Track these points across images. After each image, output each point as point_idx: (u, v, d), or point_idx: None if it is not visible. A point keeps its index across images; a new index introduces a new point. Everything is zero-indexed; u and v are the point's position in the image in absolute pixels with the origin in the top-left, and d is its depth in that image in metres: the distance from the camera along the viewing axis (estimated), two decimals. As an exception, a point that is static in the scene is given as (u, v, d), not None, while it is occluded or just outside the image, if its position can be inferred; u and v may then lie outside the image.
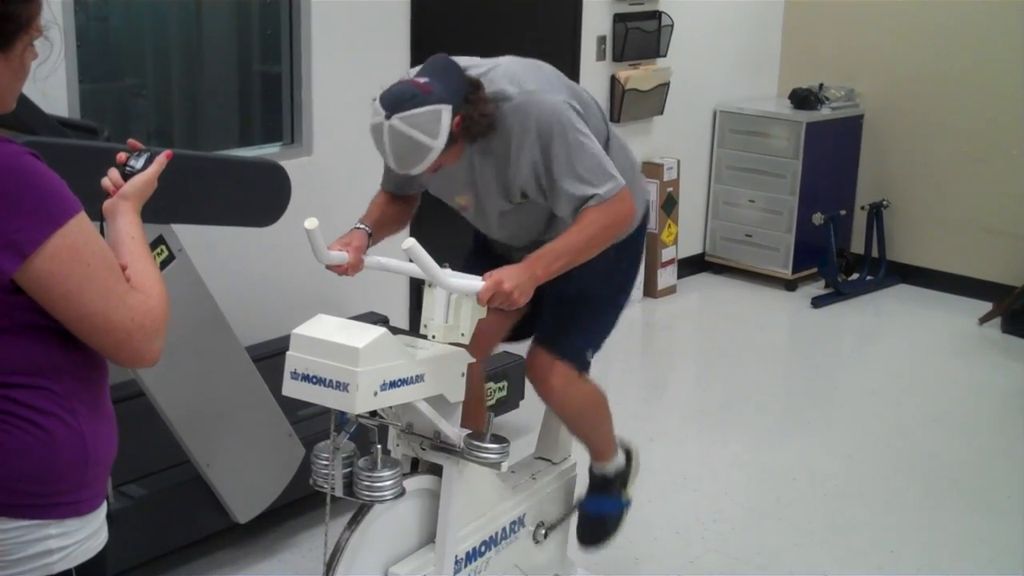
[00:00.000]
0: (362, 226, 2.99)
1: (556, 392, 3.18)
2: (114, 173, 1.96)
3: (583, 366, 3.21)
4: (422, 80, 2.69)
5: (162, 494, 3.37)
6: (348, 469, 2.72)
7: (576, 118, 2.85)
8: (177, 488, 3.41)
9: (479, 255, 3.26)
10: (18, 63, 1.75)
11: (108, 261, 1.75)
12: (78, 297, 1.70)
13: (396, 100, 2.63)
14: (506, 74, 2.85)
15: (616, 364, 5.60)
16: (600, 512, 3.40)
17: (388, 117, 2.62)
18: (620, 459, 3.42)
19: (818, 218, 6.48)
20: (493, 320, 2.98)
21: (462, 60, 2.88)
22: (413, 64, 4.89)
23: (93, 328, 1.73)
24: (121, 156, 1.98)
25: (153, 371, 3.06)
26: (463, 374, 2.86)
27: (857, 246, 6.90)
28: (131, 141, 2.04)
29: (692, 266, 6.87)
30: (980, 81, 6.41)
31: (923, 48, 6.60)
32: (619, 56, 6.02)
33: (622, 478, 3.44)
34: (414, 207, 3.21)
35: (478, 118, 2.75)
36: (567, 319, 3.17)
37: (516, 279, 2.73)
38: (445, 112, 2.65)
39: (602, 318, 3.25)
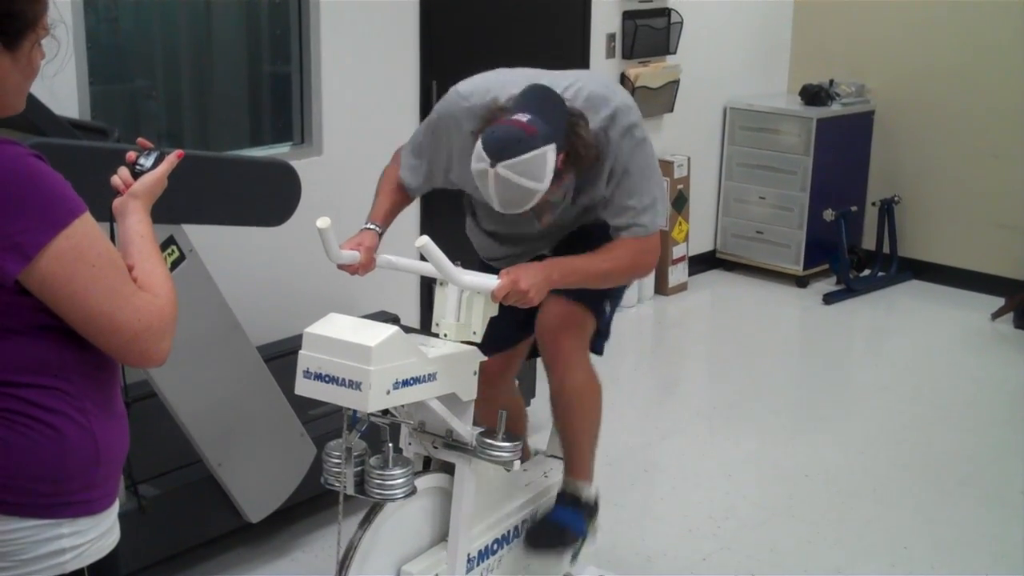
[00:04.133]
0: (372, 226, 2.98)
1: (564, 354, 3.09)
2: (124, 171, 1.95)
3: (600, 316, 3.13)
4: (524, 119, 2.62)
5: (174, 494, 3.37)
6: (360, 468, 2.72)
7: (650, 144, 2.89)
8: (189, 488, 3.42)
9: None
10: (26, 62, 1.75)
11: (114, 262, 1.75)
12: (83, 298, 1.70)
13: (501, 146, 2.57)
14: (593, 97, 2.82)
15: (627, 361, 5.60)
16: (563, 521, 3.18)
17: (493, 165, 2.57)
18: (592, 492, 3.25)
19: (829, 214, 6.47)
20: (500, 360, 3.06)
21: (543, 80, 2.84)
22: (422, 63, 4.92)
23: (99, 329, 1.73)
24: (131, 155, 1.98)
25: (164, 371, 3.06)
26: (475, 372, 2.86)
27: (868, 242, 6.89)
28: (141, 140, 2.04)
29: (703, 263, 6.87)
30: (991, 76, 6.39)
31: (934, 43, 6.58)
32: (629, 54, 6.01)
33: (589, 510, 3.26)
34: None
35: (583, 152, 2.72)
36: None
37: (533, 278, 2.72)
38: (551, 153, 2.60)
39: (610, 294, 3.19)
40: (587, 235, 3.03)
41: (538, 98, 2.72)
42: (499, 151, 2.56)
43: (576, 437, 3.20)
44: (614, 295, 3.19)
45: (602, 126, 2.80)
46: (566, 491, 3.22)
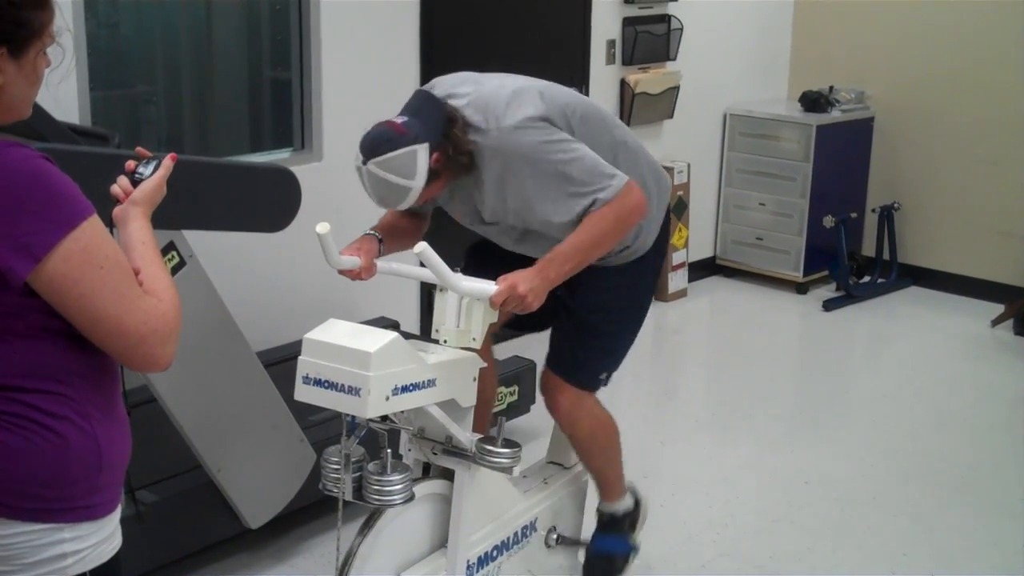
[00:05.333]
0: (372, 232, 3.00)
1: (564, 412, 3.19)
2: (123, 180, 1.97)
3: (595, 386, 3.21)
4: (399, 120, 2.74)
5: (174, 500, 3.38)
6: (359, 474, 2.72)
7: (553, 146, 2.82)
8: (189, 494, 3.42)
9: (483, 252, 3.26)
10: (31, 69, 1.75)
11: (121, 265, 1.75)
12: (91, 300, 1.70)
13: (372, 144, 2.70)
14: (481, 104, 2.83)
15: (627, 368, 5.55)
16: (607, 550, 3.37)
17: (365, 162, 2.69)
18: (629, 501, 3.40)
19: (829, 221, 6.47)
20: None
21: (451, 82, 2.92)
22: (422, 69, 4.93)
23: (106, 332, 1.73)
24: (130, 164, 1.99)
25: (164, 376, 3.06)
26: (475, 378, 2.87)
27: (868, 249, 6.89)
28: (140, 149, 2.05)
29: (703, 269, 6.87)
30: (991, 82, 6.39)
31: (933, 50, 6.58)
32: (629, 60, 6.02)
33: (630, 520, 3.41)
34: (425, 225, 3.19)
35: (456, 155, 2.78)
36: (579, 344, 3.15)
37: (530, 283, 2.73)
38: (421, 152, 2.69)
39: (619, 336, 3.22)
40: None
41: (418, 101, 2.84)
42: (370, 149, 2.69)
43: (599, 471, 3.34)
44: (612, 364, 3.22)
45: (493, 126, 2.80)
46: (601, 513, 3.39)
